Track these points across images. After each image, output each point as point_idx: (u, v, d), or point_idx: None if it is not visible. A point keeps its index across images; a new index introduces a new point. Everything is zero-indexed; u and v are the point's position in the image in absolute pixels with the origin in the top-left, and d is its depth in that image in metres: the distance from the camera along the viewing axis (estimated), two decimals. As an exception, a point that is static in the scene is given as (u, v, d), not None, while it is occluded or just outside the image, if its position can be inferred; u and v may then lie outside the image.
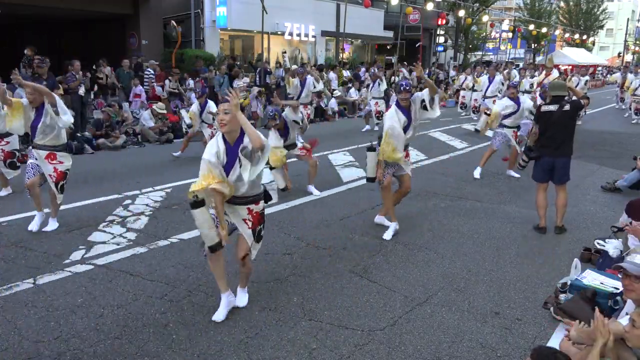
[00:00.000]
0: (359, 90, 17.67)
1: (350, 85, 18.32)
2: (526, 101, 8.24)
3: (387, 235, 5.34)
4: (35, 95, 5.16)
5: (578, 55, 36.71)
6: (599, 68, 42.13)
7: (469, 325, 3.66)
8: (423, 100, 5.24)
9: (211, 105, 8.77)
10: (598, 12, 47.76)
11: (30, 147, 5.47)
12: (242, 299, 3.89)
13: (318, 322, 3.66)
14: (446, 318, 3.76)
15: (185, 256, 4.78)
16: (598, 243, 4.91)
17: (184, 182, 7.46)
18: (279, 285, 4.24)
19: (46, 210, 5.57)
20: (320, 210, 6.29)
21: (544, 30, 39.44)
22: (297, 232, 5.50)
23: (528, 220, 5.97)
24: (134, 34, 16.14)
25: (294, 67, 11.10)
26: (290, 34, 20.50)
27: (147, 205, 6.37)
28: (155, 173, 8.04)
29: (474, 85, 15.19)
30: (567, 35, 44.19)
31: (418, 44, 25.91)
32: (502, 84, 13.68)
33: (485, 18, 33.40)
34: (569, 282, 3.97)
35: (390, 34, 25.12)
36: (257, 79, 15.67)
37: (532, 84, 15.08)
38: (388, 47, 28.07)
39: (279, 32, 19.74)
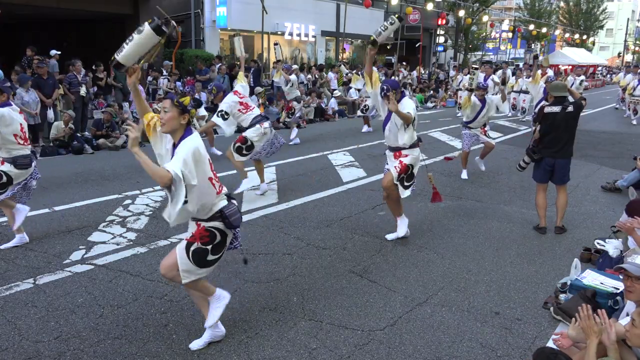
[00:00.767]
0: (358, 90, 17.65)
1: (350, 85, 18.30)
2: (493, 99, 8.22)
3: (390, 236, 5.30)
4: None
5: (578, 55, 36.69)
6: (599, 68, 42.14)
7: (469, 325, 3.66)
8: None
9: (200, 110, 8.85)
10: (598, 12, 47.78)
11: None
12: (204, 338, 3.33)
13: (318, 322, 3.66)
14: (446, 318, 3.75)
15: (185, 256, 4.78)
16: (598, 243, 4.91)
17: (184, 182, 7.47)
18: (279, 285, 4.24)
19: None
20: (320, 210, 6.28)
21: (544, 30, 39.46)
22: (297, 232, 5.50)
23: (528, 220, 5.97)
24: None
25: (285, 65, 11.38)
26: (290, 34, 20.51)
27: (147, 205, 6.36)
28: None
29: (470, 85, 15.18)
30: (567, 35, 44.20)
31: (418, 44, 25.93)
32: (497, 83, 13.69)
33: (485, 18, 33.45)
34: (569, 282, 3.97)
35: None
36: (252, 79, 15.68)
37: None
38: (388, 47, 28.05)
39: (279, 32, 19.74)
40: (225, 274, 4.41)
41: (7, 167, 4.87)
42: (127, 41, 3.09)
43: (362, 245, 5.15)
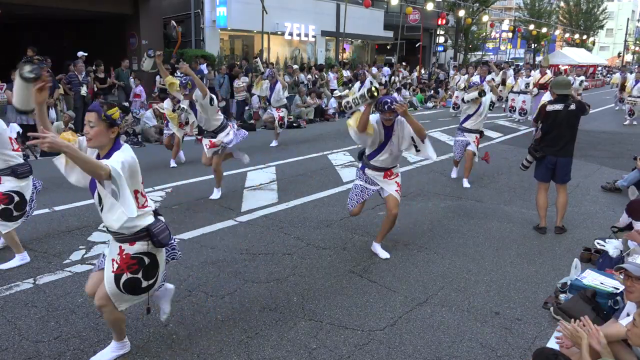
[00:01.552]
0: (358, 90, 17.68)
1: (350, 85, 18.32)
2: (487, 99, 7.80)
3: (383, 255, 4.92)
4: None
5: (578, 55, 36.70)
6: (599, 68, 42.14)
7: (469, 325, 3.66)
8: (413, 138, 4.58)
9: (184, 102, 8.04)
10: (598, 12, 47.79)
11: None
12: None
13: (318, 322, 3.66)
14: (446, 318, 3.75)
15: (185, 256, 4.77)
16: (598, 243, 4.91)
17: (184, 182, 7.47)
18: (279, 285, 4.24)
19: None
20: (320, 210, 6.29)
21: (544, 30, 39.46)
22: (297, 232, 5.50)
23: (528, 220, 5.97)
24: (134, 34, 16.14)
25: (267, 70, 10.92)
26: (290, 34, 20.51)
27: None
28: (155, 173, 8.03)
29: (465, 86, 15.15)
30: (567, 35, 44.21)
31: (418, 44, 25.94)
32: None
33: (485, 18, 33.44)
34: (569, 282, 3.97)
35: (390, 34, 25.13)
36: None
37: (527, 84, 15.05)
38: (388, 47, 28.10)
39: (279, 32, 19.75)
40: (225, 274, 4.41)
41: (11, 185, 4.49)
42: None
43: (362, 245, 5.15)
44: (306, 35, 21.26)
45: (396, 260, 4.79)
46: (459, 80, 16.69)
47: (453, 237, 5.44)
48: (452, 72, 25.45)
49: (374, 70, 21.01)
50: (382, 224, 4.98)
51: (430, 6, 24.67)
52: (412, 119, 4.49)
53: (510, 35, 36.16)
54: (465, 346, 3.41)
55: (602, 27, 50.77)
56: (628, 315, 2.81)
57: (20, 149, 4.73)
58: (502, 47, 43.58)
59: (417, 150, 4.66)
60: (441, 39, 28.62)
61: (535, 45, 42.19)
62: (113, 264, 2.89)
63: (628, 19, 56.88)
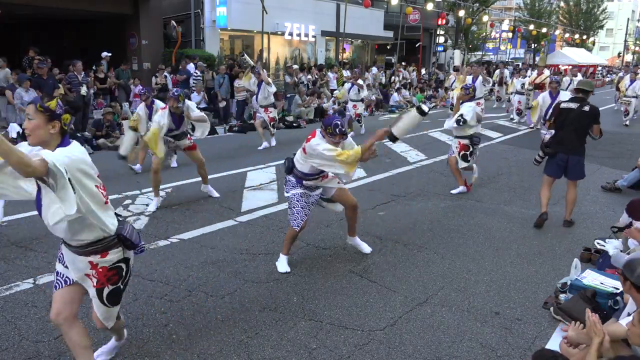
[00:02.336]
0: (358, 91, 17.65)
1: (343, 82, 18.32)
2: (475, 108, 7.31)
3: (366, 249, 4.94)
4: None
5: (578, 56, 36.70)
6: (599, 68, 42.13)
7: (469, 325, 3.66)
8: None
9: (159, 104, 7.61)
10: (598, 12, 47.78)
11: None
12: None
13: (318, 322, 3.66)
14: (446, 318, 3.76)
15: (185, 256, 4.78)
16: (598, 243, 4.91)
17: (184, 182, 7.47)
18: (279, 285, 4.24)
19: None
20: (320, 210, 6.27)
21: (544, 30, 39.46)
22: (297, 232, 5.49)
23: (528, 220, 5.97)
24: (134, 34, 16.14)
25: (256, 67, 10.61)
26: (290, 34, 20.50)
27: (147, 205, 6.36)
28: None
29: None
30: (567, 35, 44.21)
31: (418, 44, 25.94)
32: (484, 85, 13.57)
33: (485, 18, 33.44)
34: (569, 282, 3.97)
35: (390, 34, 25.11)
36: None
37: (523, 84, 15.01)
38: (388, 47, 28.06)
39: (279, 32, 19.73)
40: (225, 274, 4.41)
41: None
42: None
43: (362, 245, 5.15)
44: (306, 35, 21.25)
45: (396, 260, 4.79)
46: (454, 81, 16.66)
47: (453, 237, 5.44)
48: (452, 72, 25.46)
49: (374, 70, 21.03)
50: (346, 219, 4.83)
51: (430, 6, 24.67)
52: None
53: (510, 35, 36.18)
54: (465, 346, 3.41)
55: (602, 27, 50.77)
56: (628, 315, 2.82)
57: None
58: (502, 47, 43.58)
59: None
60: (441, 39, 28.64)
61: (535, 45, 42.19)
62: (91, 279, 2.73)
63: (628, 19, 56.86)
